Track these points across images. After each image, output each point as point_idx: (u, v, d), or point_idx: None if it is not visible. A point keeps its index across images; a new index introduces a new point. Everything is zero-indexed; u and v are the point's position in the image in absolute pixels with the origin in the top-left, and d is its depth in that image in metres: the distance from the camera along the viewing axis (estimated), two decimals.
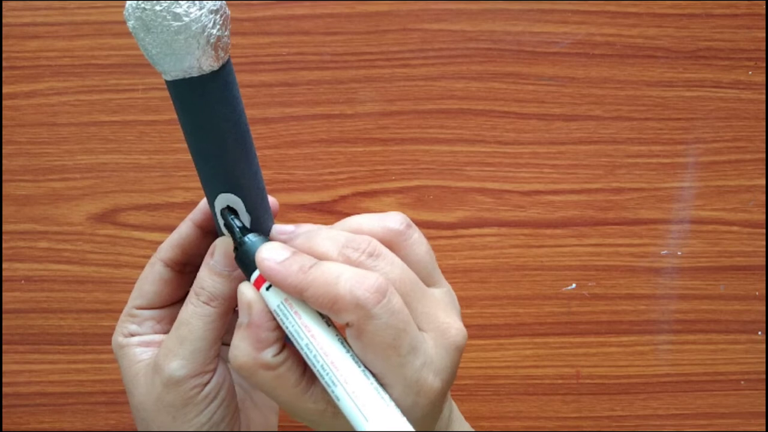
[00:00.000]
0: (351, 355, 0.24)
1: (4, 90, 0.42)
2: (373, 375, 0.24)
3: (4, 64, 0.42)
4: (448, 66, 0.42)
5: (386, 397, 0.23)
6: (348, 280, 0.23)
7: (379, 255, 0.25)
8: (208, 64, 0.22)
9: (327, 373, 0.23)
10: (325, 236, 0.26)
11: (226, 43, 0.23)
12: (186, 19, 0.21)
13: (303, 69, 0.42)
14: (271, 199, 0.29)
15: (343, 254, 0.25)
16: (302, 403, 0.25)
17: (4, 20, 0.41)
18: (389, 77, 0.42)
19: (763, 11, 0.42)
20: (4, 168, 0.43)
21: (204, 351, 0.28)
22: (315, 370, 0.24)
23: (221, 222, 0.27)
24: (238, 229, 0.26)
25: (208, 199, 0.27)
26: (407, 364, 0.23)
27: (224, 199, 0.26)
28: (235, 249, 0.26)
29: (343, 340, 0.24)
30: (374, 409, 0.23)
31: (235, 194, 0.26)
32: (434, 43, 0.42)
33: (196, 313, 0.28)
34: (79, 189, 0.43)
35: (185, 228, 0.30)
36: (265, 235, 0.28)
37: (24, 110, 0.42)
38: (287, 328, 0.24)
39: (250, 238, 0.26)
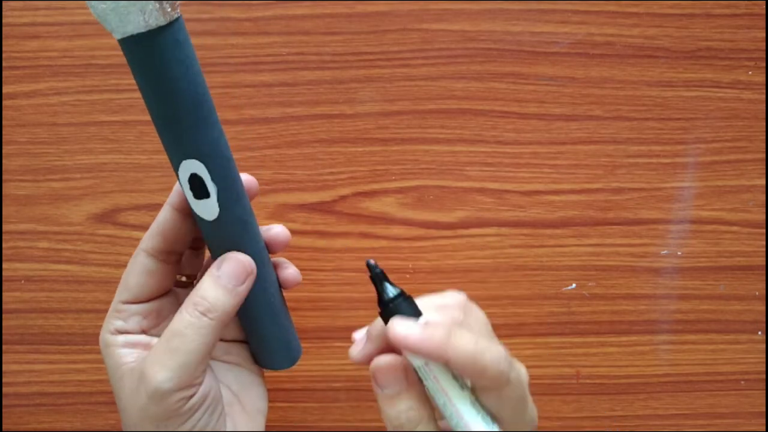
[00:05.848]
0: (482, 416, 0.26)
1: (4, 90, 0.42)
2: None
3: (4, 64, 0.42)
4: (448, 66, 0.42)
5: None
6: (491, 353, 0.25)
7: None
8: (153, 18, 0.23)
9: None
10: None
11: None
12: None
13: (303, 69, 0.42)
14: (248, 177, 0.29)
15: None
16: None
17: (4, 20, 0.41)
18: (389, 77, 0.42)
19: (763, 11, 0.42)
20: (4, 168, 0.43)
21: (194, 365, 0.27)
22: (451, 425, 0.27)
23: (188, 189, 0.27)
24: (390, 295, 0.27)
25: (174, 168, 0.27)
26: (528, 408, 0.28)
27: (188, 166, 0.26)
28: (385, 305, 0.27)
29: (474, 400, 0.27)
30: None
31: (198, 161, 0.26)
32: (434, 43, 0.42)
33: (191, 324, 0.27)
34: (79, 189, 0.43)
35: (164, 213, 0.30)
36: (245, 209, 0.28)
37: (24, 110, 0.42)
38: (427, 387, 0.27)
39: (399, 302, 0.27)
